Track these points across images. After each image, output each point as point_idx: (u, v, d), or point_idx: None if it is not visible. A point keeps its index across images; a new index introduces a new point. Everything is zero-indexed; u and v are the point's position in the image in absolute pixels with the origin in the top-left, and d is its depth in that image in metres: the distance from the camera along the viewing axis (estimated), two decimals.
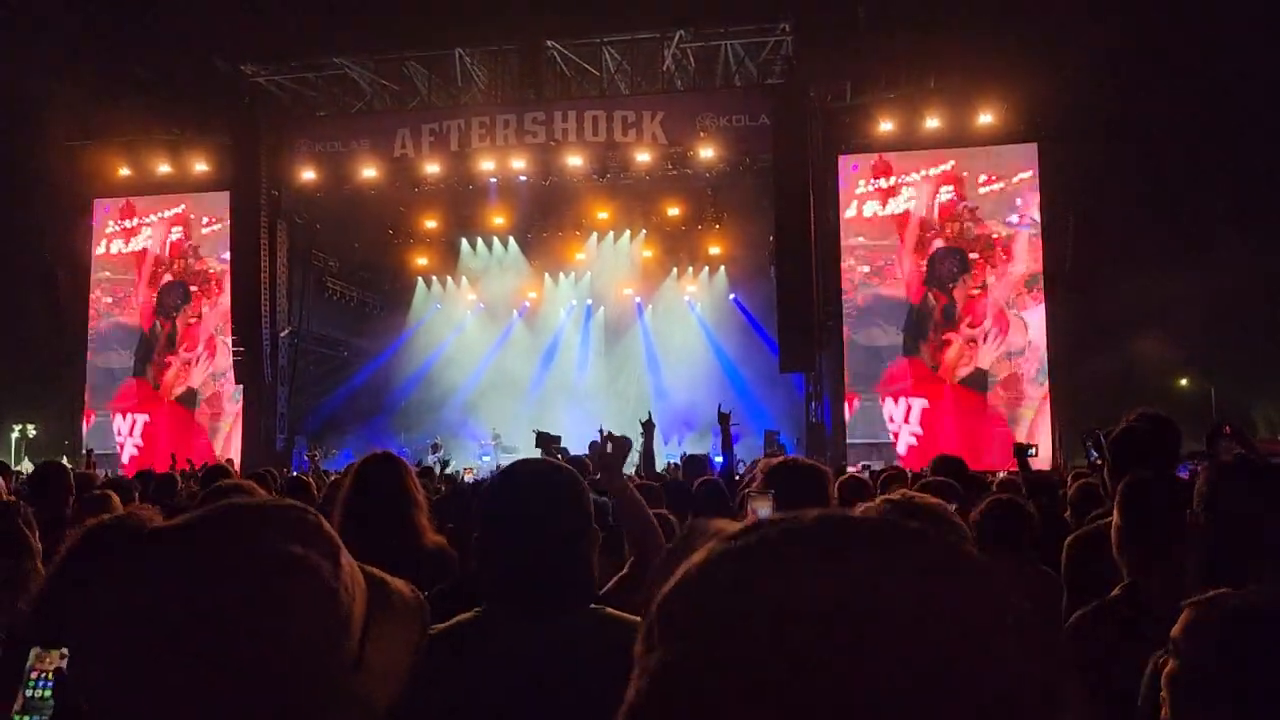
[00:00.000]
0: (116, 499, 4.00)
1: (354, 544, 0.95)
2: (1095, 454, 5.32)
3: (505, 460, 21.18)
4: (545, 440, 6.47)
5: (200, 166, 23.56)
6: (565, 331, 27.65)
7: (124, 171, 23.82)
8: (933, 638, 0.48)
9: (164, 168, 23.63)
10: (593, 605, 1.80)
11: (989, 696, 0.48)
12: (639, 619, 1.66)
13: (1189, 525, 2.34)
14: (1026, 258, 20.12)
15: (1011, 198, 20.30)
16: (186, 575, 0.80)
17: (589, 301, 27.38)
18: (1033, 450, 6.13)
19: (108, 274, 24.06)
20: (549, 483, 1.87)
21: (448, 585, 2.62)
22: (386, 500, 2.86)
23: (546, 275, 27.28)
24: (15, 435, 29.81)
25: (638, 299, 26.79)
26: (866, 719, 0.46)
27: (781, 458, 3.47)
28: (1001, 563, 0.53)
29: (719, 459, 19.98)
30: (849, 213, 20.91)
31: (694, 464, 7.93)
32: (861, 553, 0.51)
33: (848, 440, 20.08)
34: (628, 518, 2.68)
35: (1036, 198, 20.16)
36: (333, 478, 9.86)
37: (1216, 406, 26.92)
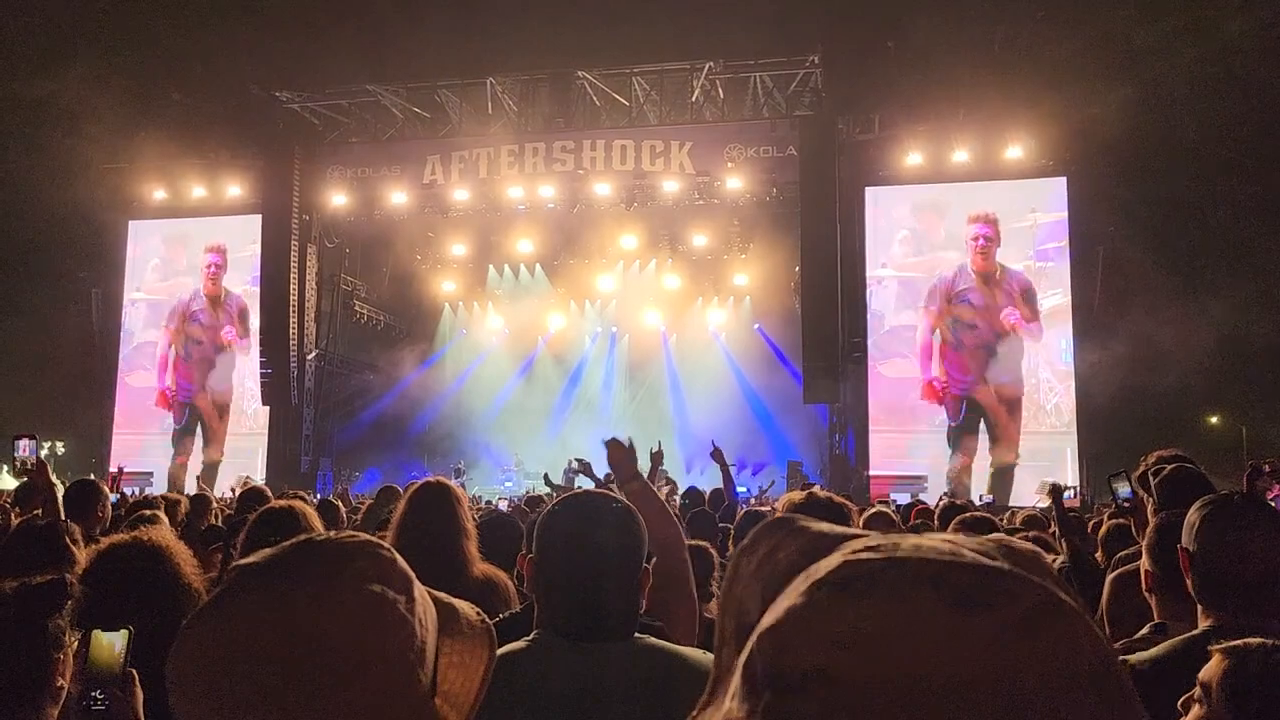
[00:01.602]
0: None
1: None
2: (1129, 493, 5.27)
3: (527, 486, 21.22)
4: (584, 467, 6.53)
5: (233, 190, 23.90)
6: (590, 359, 27.71)
7: (159, 195, 24.21)
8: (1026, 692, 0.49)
9: (198, 191, 24.00)
10: (636, 635, 1.83)
11: None
12: (677, 647, 1.68)
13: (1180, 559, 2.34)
14: (1054, 292, 20.00)
15: (1040, 231, 20.21)
16: (272, 613, 0.83)
17: (614, 329, 27.45)
18: (1069, 493, 6.10)
19: (141, 294, 24.38)
20: (609, 515, 1.90)
21: (520, 611, 2.67)
22: (438, 528, 2.89)
23: (572, 302, 27.39)
24: (44, 452, 30.08)
25: (662, 327, 26.82)
26: None
27: (805, 493, 3.46)
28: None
29: (742, 489, 19.99)
30: (872, 243, 20.89)
31: (692, 497, 7.98)
32: (966, 599, 0.51)
33: (870, 472, 19.94)
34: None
35: (1065, 232, 20.07)
36: (359, 502, 9.91)
37: (1249, 445, 26.53)
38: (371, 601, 0.85)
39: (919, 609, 0.51)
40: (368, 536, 0.93)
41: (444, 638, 0.92)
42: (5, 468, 21.66)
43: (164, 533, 2.04)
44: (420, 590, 0.92)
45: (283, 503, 3.61)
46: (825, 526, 0.61)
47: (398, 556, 0.92)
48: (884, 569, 0.53)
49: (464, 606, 0.98)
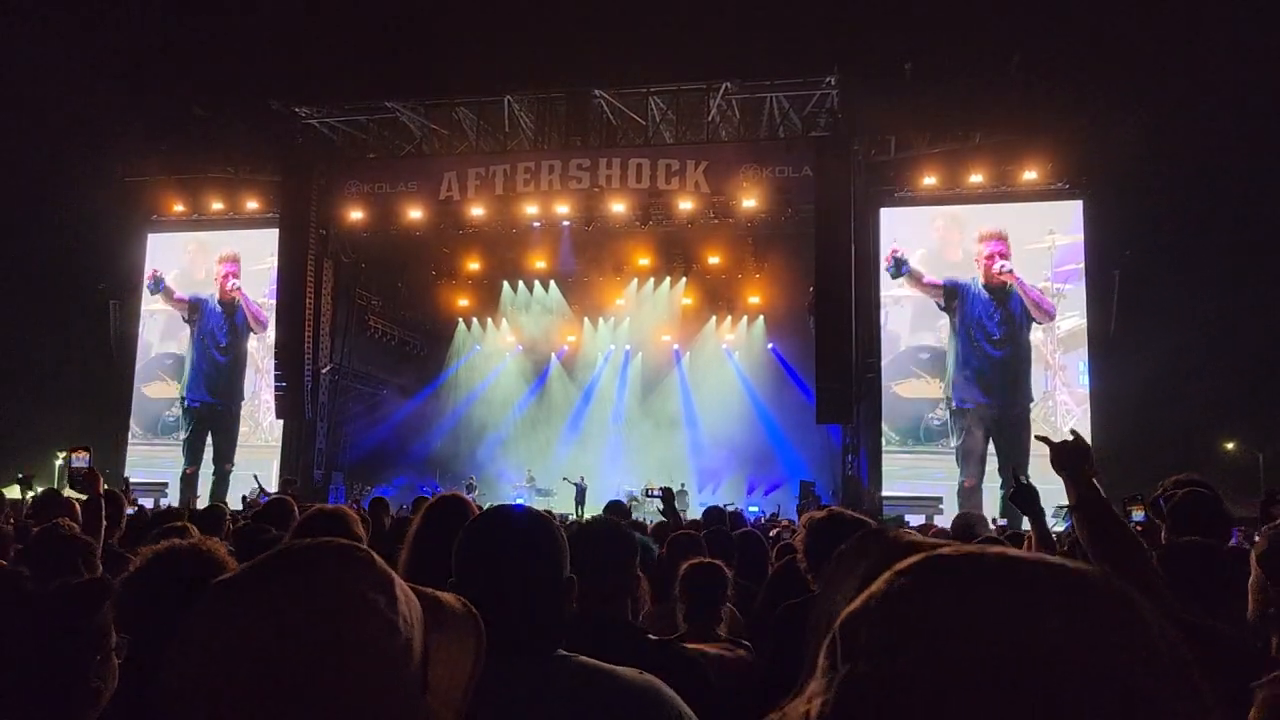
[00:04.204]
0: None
1: (419, 584, 0.99)
2: (1143, 518, 5.25)
3: (539, 503, 21.24)
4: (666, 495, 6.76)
5: (252, 204, 24.07)
6: (603, 376, 27.73)
7: (178, 207, 24.41)
8: (1083, 673, 0.53)
9: (217, 204, 24.19)
10: (562, 652, 1.78)
11: None
12: (607, 665, 1.67)
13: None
14: (1071, 314, 19.92)
15: (1057, 253, 20.14)
16: (255, 617, 0.84)
17: (627, 347, 27.46)
18: None
19: (159, 305, 24.52)
20: (520, 529, 1.88)
21: None
22: (450, 543, 2.88)
23: (586, 319, 27.43)
24: (59, 462, 30.26)
25: (676, 346, 26.83)
26: None
27: (825, 511, 3.43)
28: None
29: (754, 509, 19.90)
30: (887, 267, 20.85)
31: (711, 514, 7.97)
32: (1032, 593, 0.57)
33: (885, 493, 19.83)
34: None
35: (1081, 254, 20.01)
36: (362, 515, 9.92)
37: (1266, 470, 26.33)
38: (349, 601, 0.87)
39: (996, 593, 0.56)
40: (344, 540, 0.95)
41: (431, 633, 0.94)
42: (20, 477, 21.76)
43: (218, 543, 2.06)
44: (402, 588, 0.93)
45: (330, 506, 3.64)
46: (917, 537, 0.66)
47: (376, 557, 0.93)
48: (964, 559, 0.59)
49: (448, 597, 1.00)
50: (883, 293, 20.76)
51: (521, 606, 1.77)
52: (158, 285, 24.37)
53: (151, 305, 24.57)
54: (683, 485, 22.92)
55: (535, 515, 1.96)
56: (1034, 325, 20.04)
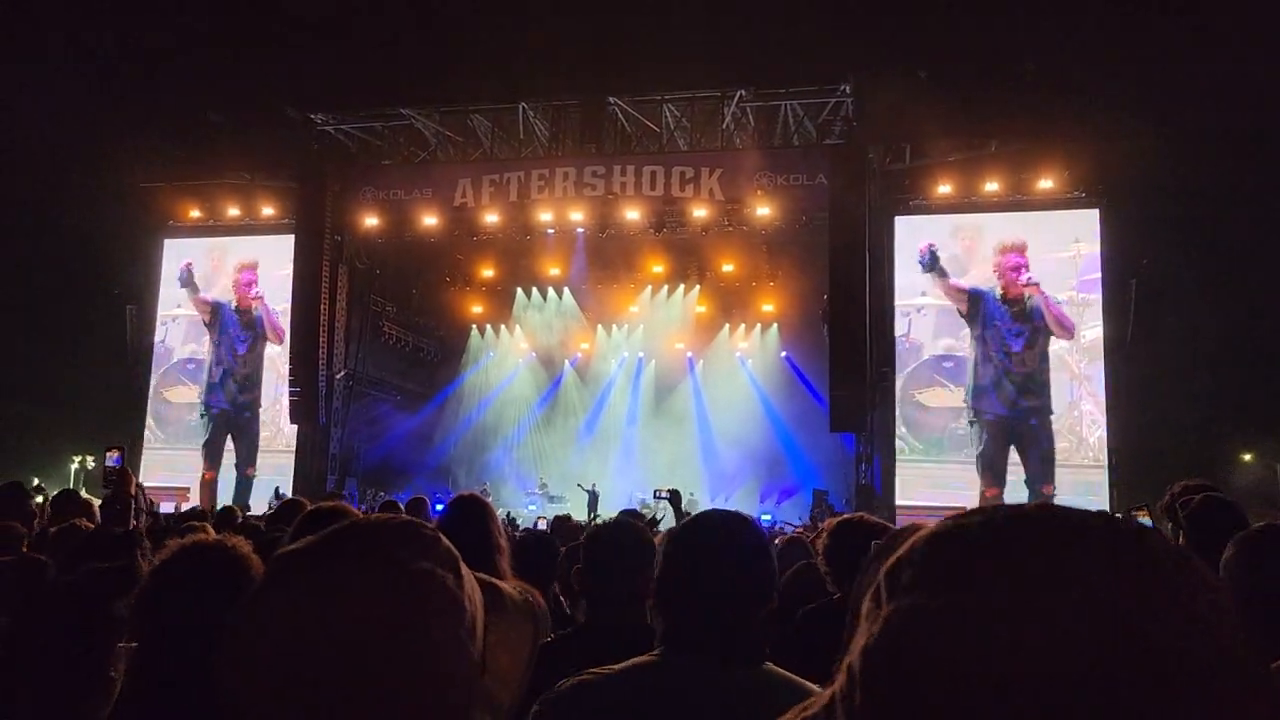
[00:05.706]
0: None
1: None
2: (1149, 525, 5.18)
3: (551, 509, 21.22)
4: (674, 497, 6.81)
5: (267, 210, 24.19)
6: (616, 383, 27.72)
7: (194, 213, 24.55)
8: (1115, 619, 0.54)
9: (233, 210, 24.32)
10: (766, 664, 1.78)
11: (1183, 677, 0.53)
12: (807, 684, 1.66)
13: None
14: (1095, 324, 19.76)
15: (1083, 262, 19.99)
16: (323, 595, 0.83)
17: (641, 354, 27.47)
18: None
19: (178, 309, 24.58)
20: (744, 538, 1.86)
21: (569, 634, 2.66)
22: (470, 542, 2.86)
23: (600, 327, 27.45)
24: (74, 466, 30.46)
25: (689, 353, 26.81)
26: (1059, 666, 0.53)
27: (846, 518, 3.42)
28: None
29: (765, 517, 19.86)
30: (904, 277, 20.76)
31: None
32: (1072, 544, 0.57)
33: (904, 502, 19.71)
34: None
35: (1099, 264, 19.88)
36: None
37: None
38: (421, 580, 0.85)
39: (1023, 542, 0.58)
40: (409, 518, 0.93)
41: (491, 616, 0.92)
42: (37, 480, 21.92)
43: (243, 540, 2.06)
44: (466, 569, 0.92)
45: (329, 504, 3.64)
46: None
47: (442, 536, 0.92)
48: (1006, 515, 0.61)
49: (506, 586, 0.99)
50: (905, 300, 20.64)
51: (736, 618, 1.77)
52: (189, 277, 24.42)
53: (171, 310, 24.61)
54: (692, 495, 22.87)
55: (749, 527, 1.93)
56: (1050, 337, 19.90)
